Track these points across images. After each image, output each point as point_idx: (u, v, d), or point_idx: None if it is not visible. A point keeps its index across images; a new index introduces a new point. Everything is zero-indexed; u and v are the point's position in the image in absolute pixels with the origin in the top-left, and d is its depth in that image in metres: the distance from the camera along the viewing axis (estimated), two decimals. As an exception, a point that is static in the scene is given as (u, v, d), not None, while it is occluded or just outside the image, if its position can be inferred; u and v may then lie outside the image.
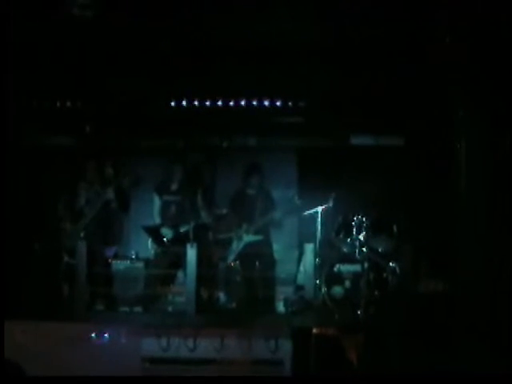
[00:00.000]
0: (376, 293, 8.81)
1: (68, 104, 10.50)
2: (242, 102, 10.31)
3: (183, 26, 8.81)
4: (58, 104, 10.50)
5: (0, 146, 8.60)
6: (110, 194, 9.40)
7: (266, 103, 10.27)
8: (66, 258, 9.31)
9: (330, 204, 9.28)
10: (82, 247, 8.84)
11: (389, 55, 8.95)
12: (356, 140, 10.85)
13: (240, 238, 9.59)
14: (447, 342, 7.93)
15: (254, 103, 10.28)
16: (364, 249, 9.05)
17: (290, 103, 10.30)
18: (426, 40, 8.50)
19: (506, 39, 8.01)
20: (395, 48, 8.81)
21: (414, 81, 9.22)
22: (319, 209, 9.30)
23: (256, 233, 9.59)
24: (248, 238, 9.58)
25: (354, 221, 9.20)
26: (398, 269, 9.14)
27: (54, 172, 10.54)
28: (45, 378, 7.70)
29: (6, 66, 8.29)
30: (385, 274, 8.95)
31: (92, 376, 7.80)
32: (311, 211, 9.36)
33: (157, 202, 9.63)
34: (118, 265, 9.15)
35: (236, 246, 9.60)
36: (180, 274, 9.29)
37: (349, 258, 9.06)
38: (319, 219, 9.27)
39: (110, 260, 9.30)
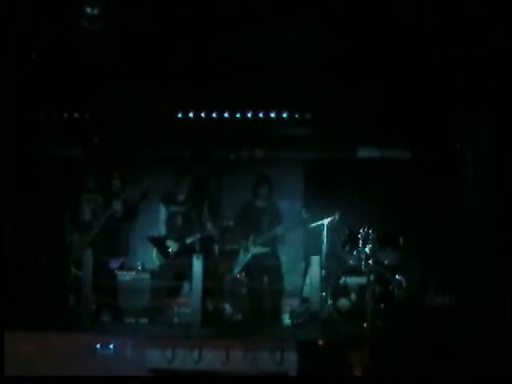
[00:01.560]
0: (382, 305, 8.79)
1: (75, 115, 10.54)
2: (249, 114, 10.34)
3: (191, 39, 8.85)
4: (65, 115, 10.54)
5: (7, 158, 8.66)
6: (118, 206, 9.41)
7: (273, 115, 10.30)
8: (72, 270, 9.31)
9: (337, 216, 9.29)
10: (89, 258, 8.84)
11: (394, 67, 8.97)
12: (362, 153, 10.85)
13: (247, 250, 9.58)
14: (453, 356, 7.91)
15: (261, 115, 10.32)
16: (370, 261, 9.05)
17: (296, 115, 10.33)
18: (430, 50, 8.53)
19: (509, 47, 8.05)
20: (401, 60, 8.82)
21: (421, 93, 9.23)
22: (325, 221, 9.30)
23: (263, 245, 9.59)
24: (255, 250, 9.58)
25: (360, 233, 9.21)
26: (404, 281, 9.14)
27: (61, 183, 10.54)
28: (47, 378, 7.75)
29: (11, 77, 8.35)
30: (391, 287, 8.93)
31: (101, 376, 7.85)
32: (317, 223, 9.36)
33: (163, 212, 9.63)
34: (124, 276, 9.18)
35: (243, 258, 9.60)
36: (186, 285, 9.28)
37: (355, 271, 9.07)
38: (325, 231, 9.27)
39: (116, 271, 9.31)
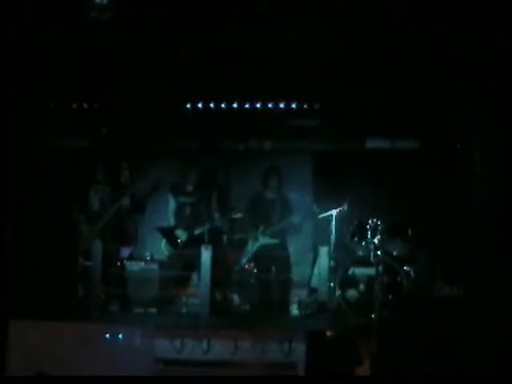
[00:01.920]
0: (390, 296, 8.79)
1: (84, 106, 10.53)
2: (258, 105, 10.31)
3: (200, 29, 8.84)
4: (75, 107, 10.53)
5: (16, 150, 8.70)
6: (126, 199, 9.45)
7: (282, 106, 10.27)
8: (81, 260, 9.36)
9: (345, 207, 9.28)
10: (98, 249, 8.88)
11: (402, 59, 8.94)
12: (372, 143, 10.81)
13: (256, 240, 9.58)
14: (460, 347, 7.92)
15: (270, 106, 10.28)
16: (379, 252, 9.04)
17: (305, 106, 10.29)
18: (437, 44, 8.51)
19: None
20: (409, 52, 8.80)
21: (428, 84, 9.19)
22: (334, 212, 9.29)
23: (272, 236, 9.59)
24: (264, 240, 9.57)
25: (368, 224, 9.21)
26: (412, 272, 9.13)
27: (70, 174, 10.55)
28: (47, 378, 7.80)
29: (17, 70, 8.38)
30: (399, 278, 8.92)
31: (101, 376, 7.88)
32: (326, 214, 9.35)
33: (172, 203, 9.66)
34: (133, 266, 9.19)
35: (251, 248, 9.59)
36: (194, 275, 9.31)
37: (363, 262, 9.05)
38: (334, 222, 9.26)
39: (124, 261, 9.34)
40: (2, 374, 7.50)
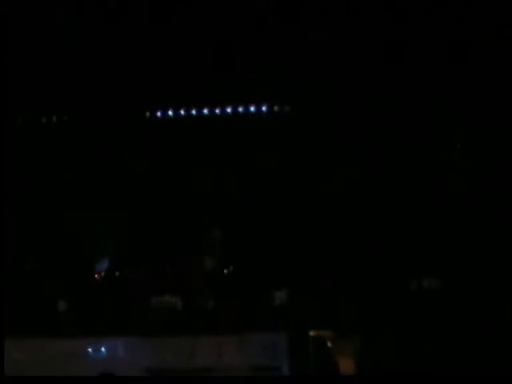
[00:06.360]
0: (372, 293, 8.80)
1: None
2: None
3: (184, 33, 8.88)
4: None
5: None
6: None
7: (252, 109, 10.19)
8: (62, 273, 9.39)
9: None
10: (80, 261, 8.93)
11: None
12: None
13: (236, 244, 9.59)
14: (442, 341, 7.95)
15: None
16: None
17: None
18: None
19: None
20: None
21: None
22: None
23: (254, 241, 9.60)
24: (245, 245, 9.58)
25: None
26: (393, 267, 9.14)
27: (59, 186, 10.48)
28: (46, 378, 7.82)
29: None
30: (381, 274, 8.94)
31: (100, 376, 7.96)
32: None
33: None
34: (115, 277, 9.21)
35: (232, 254, 9.61)
36: (177, 284, 9.31)
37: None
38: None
39: (105, 272, 9.38)
40: (2, 374, 7.50)
